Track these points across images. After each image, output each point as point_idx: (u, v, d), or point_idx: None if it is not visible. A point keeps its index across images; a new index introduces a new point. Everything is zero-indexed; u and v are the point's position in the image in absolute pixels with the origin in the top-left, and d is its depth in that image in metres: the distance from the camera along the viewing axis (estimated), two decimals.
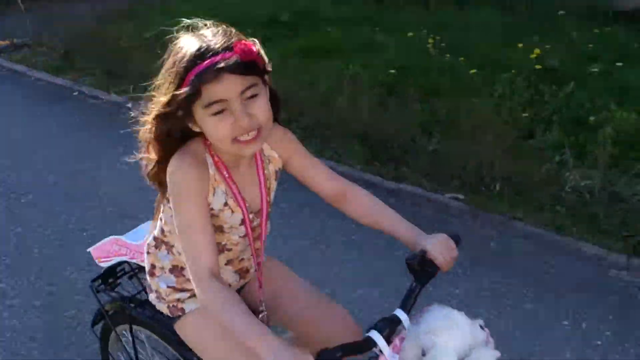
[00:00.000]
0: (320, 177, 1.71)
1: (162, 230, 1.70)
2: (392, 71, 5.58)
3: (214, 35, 1.41)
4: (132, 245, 2.02)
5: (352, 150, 4.63)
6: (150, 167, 1.56)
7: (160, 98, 1.44)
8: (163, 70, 1.45)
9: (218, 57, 1.36)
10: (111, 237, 2.07)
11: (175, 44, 1.44)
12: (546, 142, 4.33)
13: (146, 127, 1.51)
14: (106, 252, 2.04)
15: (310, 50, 6.39)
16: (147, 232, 1.92)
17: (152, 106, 1.48)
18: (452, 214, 3.90)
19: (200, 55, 1.37)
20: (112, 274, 2.04)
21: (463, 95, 4.88)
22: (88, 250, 2.09)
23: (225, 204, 1.57)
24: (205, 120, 1.42)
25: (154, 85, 1.48)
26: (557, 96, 4.69)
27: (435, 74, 5.50)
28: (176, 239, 1.61)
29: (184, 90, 1.37)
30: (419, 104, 5.02)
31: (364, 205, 1.71)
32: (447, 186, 4.12)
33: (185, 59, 1.38)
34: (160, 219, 1.69)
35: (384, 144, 4.55)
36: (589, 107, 4.61)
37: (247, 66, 1.38)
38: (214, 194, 1.54)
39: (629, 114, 4.41)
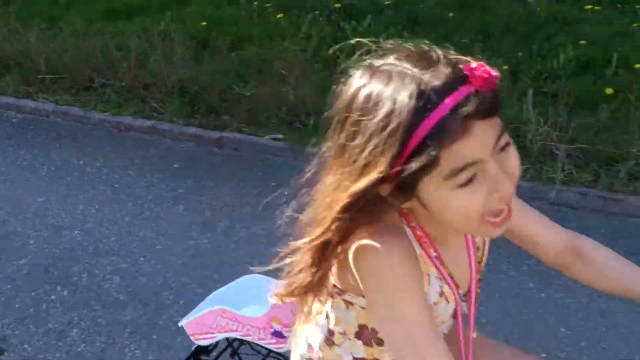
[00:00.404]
0: (544, 234, 1.25)
1: (331, 333, 1.18)
2: (204, 23, 5.66)
3: (425, 65, 0.91)
4: (245, 318, 1.57)
5: (172, 106, 4.72)
6: (313, 277, 1.04)
7: (369, 175, 0.90)
8: (350, 135, 0.93)
9: (459, 98, 0.86)
10: (214, 307, 1.61)
11: (358, 92, 0.94)
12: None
13: (326, 229, 0.97)
14: (207, 327, 1.60)
15: (117, 11, 6.29)
16: (259, 299, 1.54)
17: (341, 189, 0.95)
18: (274, 153, 4.15)
19: (428, 101, 0.86)
20: (204, 350, 1.68)
21: (272, 39, 5.09)
22: (180, 324, 1.66)
23: (441, 294, 1.10)
24: (445, 195, 0.91)
25: (339, 163, 0.97)
26: (357, 30, 5.03)
27: (245, 22, 5.66)
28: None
29: (416, 162, 0.87)
30: (233, 52, 5.18)
31: (606, 266, 1.24)
32: (266, 128, 4.37)
33: (402, 114, 0.86)
34: (327, 317, 1.17)
35: (202, 97, 4.68)
36: (384, 37, 4.99)
37: (494, 102, 0.89)
38: (429, 282, 1.07)
39: (420, 40, 4.84)
